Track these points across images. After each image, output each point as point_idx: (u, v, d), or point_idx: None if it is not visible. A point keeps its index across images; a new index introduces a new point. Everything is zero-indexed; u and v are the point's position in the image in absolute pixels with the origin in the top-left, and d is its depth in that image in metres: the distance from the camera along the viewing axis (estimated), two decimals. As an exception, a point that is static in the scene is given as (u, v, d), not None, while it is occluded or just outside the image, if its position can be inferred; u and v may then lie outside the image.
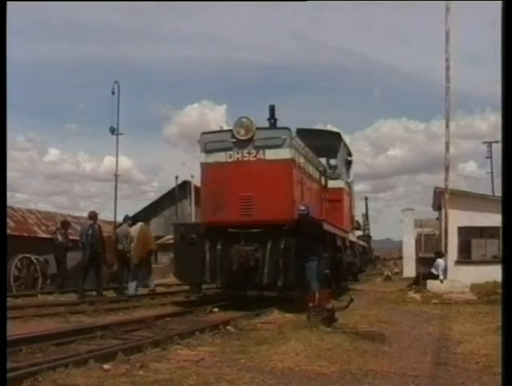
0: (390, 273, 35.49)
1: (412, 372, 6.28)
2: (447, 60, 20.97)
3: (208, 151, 13.47)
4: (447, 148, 21.59)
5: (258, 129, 13.18)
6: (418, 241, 34.48)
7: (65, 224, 19.19)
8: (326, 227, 13.66)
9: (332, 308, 9.60)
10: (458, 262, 24.61)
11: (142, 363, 6.28)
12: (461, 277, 20.98)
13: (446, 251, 22.27)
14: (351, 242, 20.08)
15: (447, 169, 21.65)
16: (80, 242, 15.75)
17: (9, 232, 20.84)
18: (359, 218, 28.68)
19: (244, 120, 13.19)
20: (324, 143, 18.63)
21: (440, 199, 24.66)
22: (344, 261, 17.24)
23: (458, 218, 23.80)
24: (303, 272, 11.95)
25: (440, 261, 22.35)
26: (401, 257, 42.07)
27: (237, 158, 13.18)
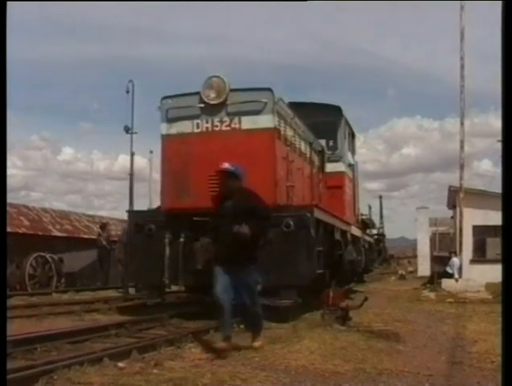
0: (404, 272, 35.42)
1: (427, 371, 6.25)
2: (461, 58, 20.87)
3: (170, 120, 11.09)
4: (461, 146, 21.48)
5: (233, 90, 10.69)
6: (432, 240, 34.41)
7: (104, 226, 19.94)
8: (318, 214, 10.99)
9: (346, 307, 9.57)
10: (473, 261, 24.55)
11: (156, 361, 6.30)
12: (476, 276, 20.90)
13: (461, 250, 22.18)
14: (354, 236, 17.38)
15: (461, 167, 21.55)
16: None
17: (24, 230, 21.03)
18: (365, 209, 25.66)
19: (215, 79, 10.67)
20: (322, 119, 15.88)
21: (455, 197, 24.59)
22: (346, 259, 14.56)
23: (473, 216, 23.73)
24: (238, 292, 7.36)
25: (455, 260, 22.28)
26: (415, 256, 41.96)
27: (206, 127, 10.77)
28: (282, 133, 11.27)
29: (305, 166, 13.42)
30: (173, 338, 7.71)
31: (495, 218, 22.79)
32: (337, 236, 13.63)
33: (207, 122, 10.73)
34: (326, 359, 6.64)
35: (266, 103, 10.56)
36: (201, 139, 10.71)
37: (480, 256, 25.86)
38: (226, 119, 10.67)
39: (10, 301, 12.70)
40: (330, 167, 16.22)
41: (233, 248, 7.16)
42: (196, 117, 10.79)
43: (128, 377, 5.50)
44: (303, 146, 13.28)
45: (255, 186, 9.28)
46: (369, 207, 38.86)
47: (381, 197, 70.88)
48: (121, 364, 6.08)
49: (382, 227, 66.00)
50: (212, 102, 10.63)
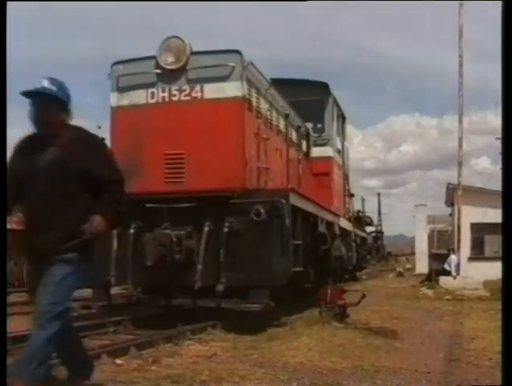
0: (402, 269, 35.48)
1: (425, 369, 6.26)
2: (460, 56, 20.90)
3: (121, 89, 9.40)
4: (460, 144, 21.54)
5: (195, 54, 9.08)
6: (430, 237, 34.45)
7: None
8: (295, 200, 9.34)
9: (343, 304, 9.59)
10: (471, 258, 24.61)
11: (154, 358, 6.30)
12: (474, 274, 20.95)
13: (459, 247, 22.23)
14: (344, 230, 15.66)
15: (460, 165, 21.61)
16: None
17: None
18: (358, 202, 25.04)
19: (173, 40, 9.10)
20: (306, 98, 14.36)
21: (453, 195, 24.62)
22: (332, 255, 12.84)
23: (471, 214, 23.77)
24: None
25: (453, 257, 22.31)
26: (413, 253, 42.07)
27: (163, 97, 9.12)
28: (254, 104, 9.63)
29: (285, 147, 11.58)
30: (171, 335, 7.68)
31: (493, 215, 22.85)
32: (322, 228, 11.80)
33: (163, 91, 9.13)
34: (324, 356, 6.65)
35: (233, 67, 8.92)
36: (157, 111, 9.13)
37: (478, 253, 25.92)
38: (186, 87, 9.03)
39: (9, 298, 12.68)
40: (316, 152, 14.64)
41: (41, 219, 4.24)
42: (152, 85, 9.20)
43: (126, 374, 5.50)
44: (282, 124, 11.49)
45: (220, 166, 8.77)
46: (362, 200, 38.41)
47: (379, 194, 70.93)
48: (119, 361, 6.08)
49: (380, 225, 66.16)
50: (169, 67, 9.07)
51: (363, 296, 10.21)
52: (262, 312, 8.65)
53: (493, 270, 20.71)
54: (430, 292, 17.94)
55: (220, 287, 8.44)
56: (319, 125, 15.42)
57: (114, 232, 8.48)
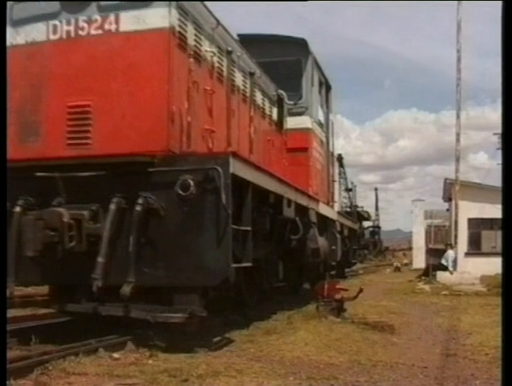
0: (399, 264, 35.58)
1: (421, 363, 6.27)
2: (458, 51, 20.89)
3: (15, 23, 7.11)
4: (457, 139, 21.55)
5: None
6: (428, 232, 34.50)
7: None
8: (239, 168, 6.89)
9: (341, 298, 9.58)
10: (468, 254, 24.64)
11: (151, 352, 6.29)
12: (471, 269, 21.03)
13: (456, 242, 22.27)
14: (325, 218, 13.13)
15: (457, 160, 21.64)
16: None
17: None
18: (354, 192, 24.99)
19: None
20: (280, 59, 12.01)
21: (451, 190, 24.67)
22: (309, 248, 10.81)
23: (468, 209, 23.82)
24: None
25: (450, 253, 22.35)
26: (410, 248, 42.15)
27: (68, 32, 6.90)
28: (191, 42, 7.36)
29: (246, 110, 9.29)
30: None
31: (491, 211, 22.89)
32: (289, 212, 9.40)
33: (68, 24, 6.89)
34: (321, 351, 6.65)
35: None
36: (59, 50, 6.94)
37: (475, 248, 25.96)
38: (97, 17, 6.83)
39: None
40: (291, 123, 12.10)
41: None
42: (54, 16, 6.96)
43: (123, 368, 5.50)
44: (241, 80, 9.29)
45: (136, 123, 6.60)
46: (354, 186, 37.20)
47: (376, 189, 71.17)
48: (116, 355, 6.08)
49: (378, 220, 66.43)
50: None
51: (360, 290, 10.22)
52: (187, 324, 6.65)
53: (490, 265, 20.78)
54: (427, 287, 17.98)
55: (125, 289, 6.29)
56: (295, 91, 12.49)
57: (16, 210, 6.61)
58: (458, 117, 21.60)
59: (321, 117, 13.93)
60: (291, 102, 12.30)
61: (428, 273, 21.90)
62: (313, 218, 11.31)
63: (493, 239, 24.80)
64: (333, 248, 13.69)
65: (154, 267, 6.46)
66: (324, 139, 14.31)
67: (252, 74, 9.54)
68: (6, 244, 3.80)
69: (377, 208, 67.77)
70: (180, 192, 6.41)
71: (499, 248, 23.61)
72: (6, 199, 3.88)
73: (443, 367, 6.21)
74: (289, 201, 9.39)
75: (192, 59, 7.30)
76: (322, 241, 12.00)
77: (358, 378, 5.43)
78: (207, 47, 7.85)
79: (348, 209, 41.97)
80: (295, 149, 12.10)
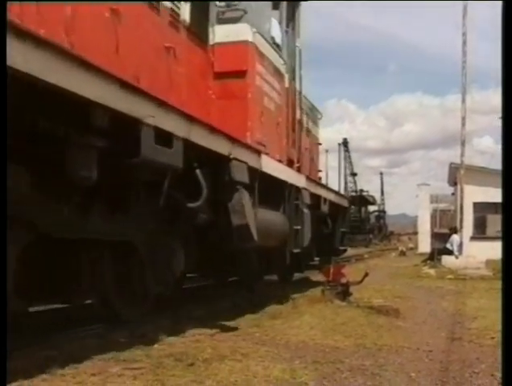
0: (404, 249, 35.63)
1: (426, 347, 6.27)
2: (463, 34, 20.74)
3: None
4: (463, 123, 21.44)
5: None
6: (433, 217, 34.48)
7: None
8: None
9: (346, 282, 9.60)
10: (473, 238, 24.62)
11: (156, 337, 6.29)
12: (476, 253, 20.98)
13: (461, 226, 22.24)
14: (279, 182, 8.99)
15: (462, 144, 21.54)
16: None
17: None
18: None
19: None
20: None
21: (456, 174, 24.60)
22: (233, 223, 6.86)
23: (473, 193, 23.76)
24: None
25: (455, 237, 22.33)
26: (416, 232, 42.15)
27: None
28: None
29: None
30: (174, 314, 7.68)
31: (496, 195, 22.77)
32: (201, 175, 6.32)
33: None
34: (326, 335, 6.66)
35: None
36: None
37: (480, 233, 25.94)
38: None
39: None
40: (221, 34, 8.33)
41: None
42: None
43: (129, 352, 5.51)
44: None
45: None
46: (326, 151, 31.77)
47: (381, 173, 71.11)
48: (121, 339, 6.09)
49: (383, 204, 66.40)
50: None
51: (366, 274, 10.22)
52: None
53: (495, 250, 20.70)
54: (432, 271, 17.98)
55: None
56: None
57: None
58: (464, 100, 21.49)
59: (278, 37, 9.89)
60: (222, 4, 8.43)
61: (433, 257, 21.88)
62: (240, 176, 7.03)
63: (499, 223, 24.72)
64: (297, 228, 9.79)
65: None
66: (281, 68, 10.00)
67: None
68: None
69: (382, 193, 67.75)
70: None
71: (505, 233, 23.59)
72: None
73: (449, 350, 6.21)
74: (177, 137, 5.43)
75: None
76: (268, 216, 8.27)
77: (364, 362, 5.44)
78: None
79: (354, 193, 41.97)
80: (226, 73, 8.35)
